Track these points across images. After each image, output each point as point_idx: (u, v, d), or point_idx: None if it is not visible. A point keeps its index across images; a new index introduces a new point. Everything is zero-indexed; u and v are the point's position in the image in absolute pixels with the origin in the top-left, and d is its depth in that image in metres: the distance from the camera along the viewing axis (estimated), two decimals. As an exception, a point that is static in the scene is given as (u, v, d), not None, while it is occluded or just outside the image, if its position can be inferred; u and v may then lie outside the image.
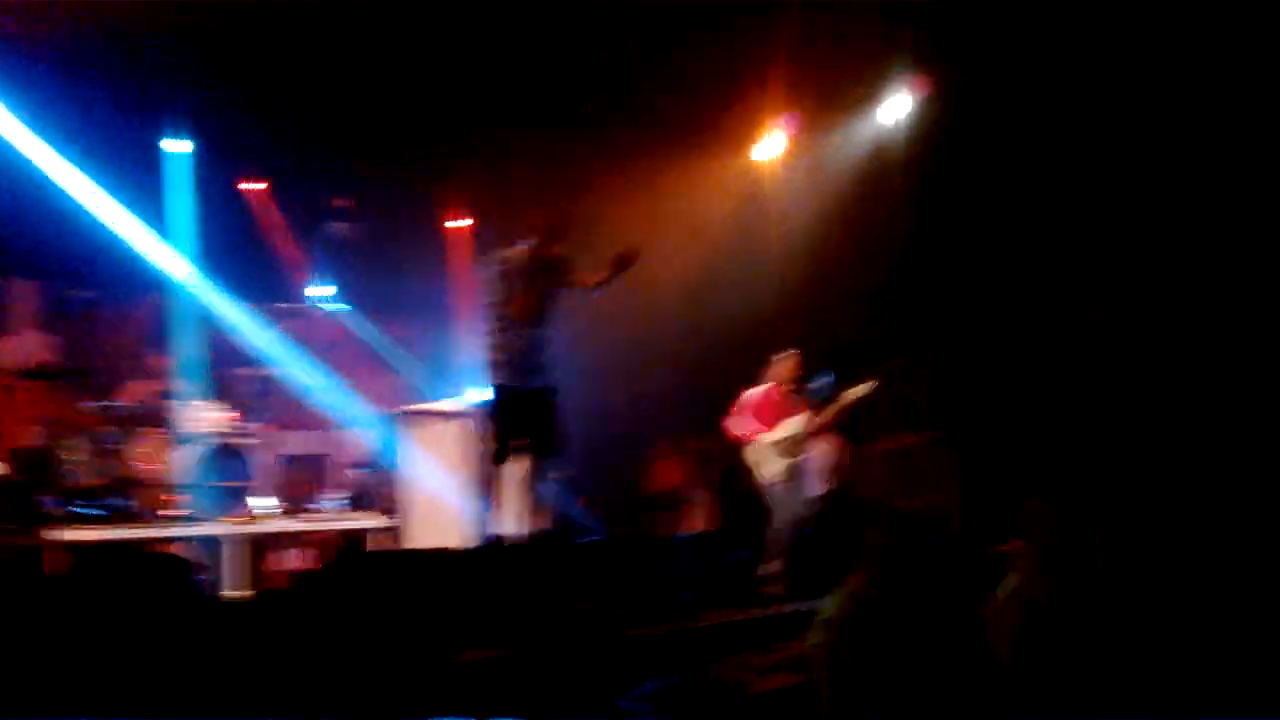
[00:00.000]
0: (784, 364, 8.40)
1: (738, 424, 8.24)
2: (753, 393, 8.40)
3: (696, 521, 11.33)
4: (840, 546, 6.49)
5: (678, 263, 10.35)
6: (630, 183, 9.95)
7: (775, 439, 8.11)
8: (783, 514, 8.06)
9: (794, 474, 8.13)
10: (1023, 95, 8.98)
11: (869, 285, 10.11)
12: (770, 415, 8.21)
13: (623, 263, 6.32)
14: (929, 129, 9.86)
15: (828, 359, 10.59)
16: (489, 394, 6.31)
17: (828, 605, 3.55)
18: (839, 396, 8.67)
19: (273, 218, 11.22)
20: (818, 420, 10.33)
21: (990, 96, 9.27)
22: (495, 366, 6.25)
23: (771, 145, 10.57)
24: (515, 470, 6.34)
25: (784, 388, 8.36)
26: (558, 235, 6.39)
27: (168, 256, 10.24)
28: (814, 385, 9.15)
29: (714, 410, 11.66)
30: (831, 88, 9.93)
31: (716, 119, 10.14)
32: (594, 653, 4.74)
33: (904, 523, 3.63)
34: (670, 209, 10.17)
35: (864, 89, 9.99)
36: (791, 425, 8.14)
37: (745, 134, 10.56)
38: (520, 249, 6.33)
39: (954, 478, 8.50)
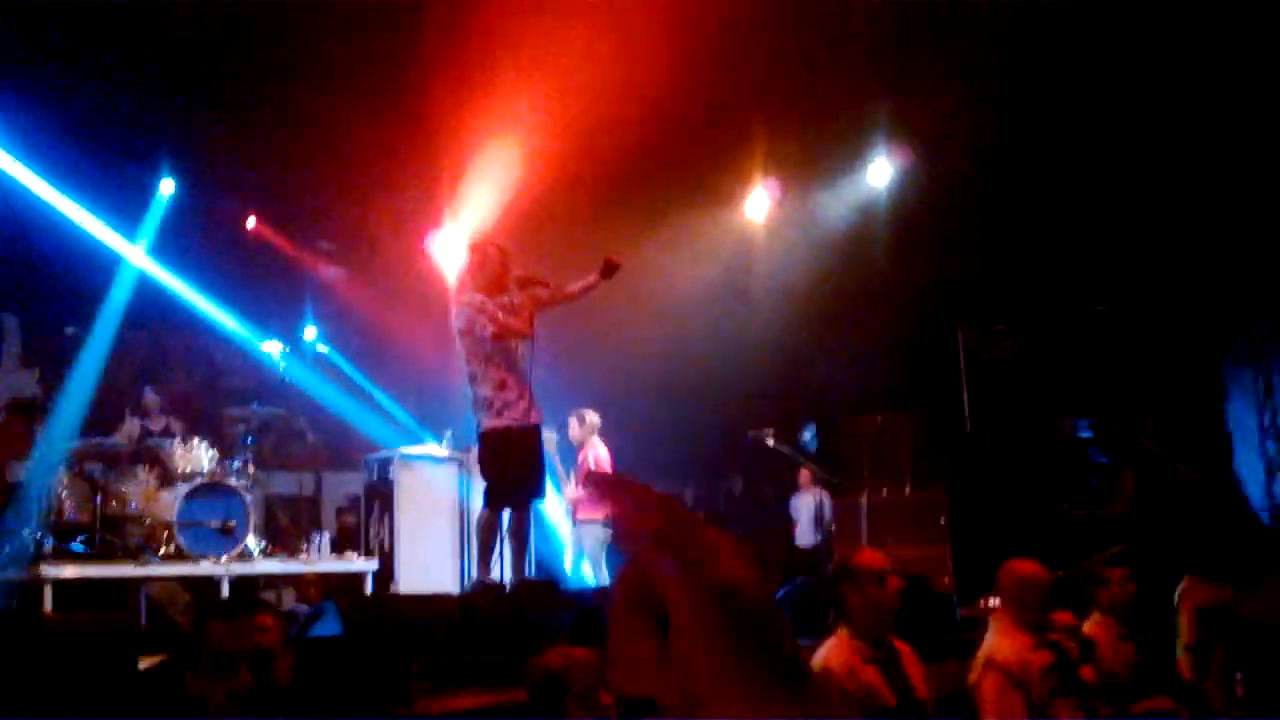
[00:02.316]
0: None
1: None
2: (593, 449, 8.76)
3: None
4: (826, 600, 6.58)
5: (661, 320, 10.49)
6: (617, 241, 10.09)
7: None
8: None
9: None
10: (1007, 162, 9.24)
11: (856, 340, 10.28)
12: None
13: (608, 269, 6.19)
14: (914, 194, 10.10)
15: (812, 412, 10.76)
16: (491, 438, 6.06)
17: (817, 656, 3.63)
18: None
19: (265, 257, 11.31)
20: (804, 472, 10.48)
21: (975, 162, 9.53)
22: (494, 408, 5.99)
23: (758, 206, 10.76)
24: (504, 515, 6.32)
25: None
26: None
27: (159, 293, 10.33)
28: (802, 436, 9.28)
29: (699, 465, 11.78)
30: (815, 152, 10.17)
31: (703, 179, 10.34)
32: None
33: (880, 578, 3.70)
34: (663, 262, 10.29)
35: (847, 155, 10.23)
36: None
37: (731, 195, 10.75)
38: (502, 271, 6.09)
39: (942, 532, 8.60)
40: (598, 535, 8.54)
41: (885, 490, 9.52)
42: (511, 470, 6.06)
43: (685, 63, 8.06)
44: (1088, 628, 4.84)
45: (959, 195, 9.94)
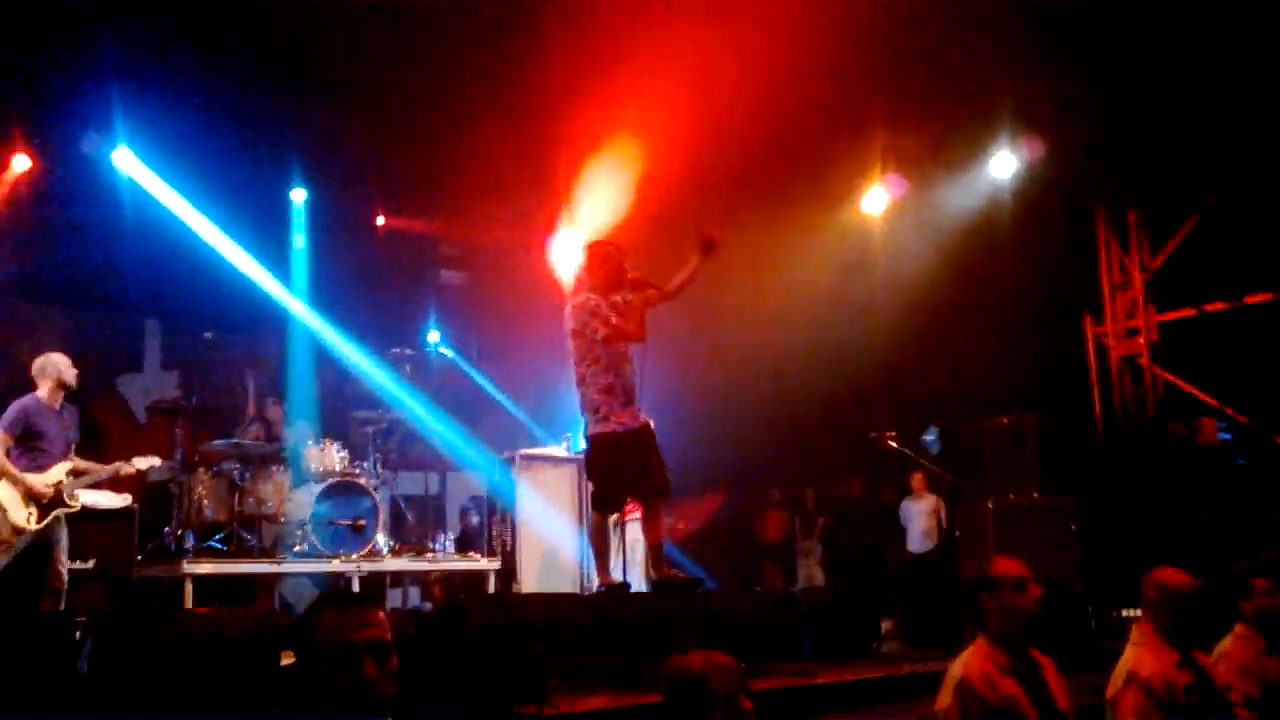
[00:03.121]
0: None
1: None
2: None
3: (809, 573, 11.30)
4: (956, 607, 6.44)
5: (783, 316, 10.39)
6: (736, 236, 10.05)
7: None
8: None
9: None
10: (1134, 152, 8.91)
11: (981, 340, 10.03)
12: None
13: (706, 246, 6.03)
14: (1039, 186, 9.80)
15: (935, 414, 10.55)
16: (598, 442, 6.00)
17: (955, 667, 3.54)
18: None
19: (390, 263, 11.58)
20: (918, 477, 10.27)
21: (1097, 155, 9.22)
22: (601, 413, 5.93)
23: (876, 201, 10.56)
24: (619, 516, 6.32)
25: None
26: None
27: (289, 300, 10.66)
28: (924, 438, 9.10)
29: (819, 467, 11.64)
30: (936, 145, 9.94)
31: (821, 175, 10.21)
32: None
33: (1020, 585, 3.60)
34: (775, 263, 10.21)
35: (970, 147, 9.96)
36: None
37: (850, 191, 10.59)
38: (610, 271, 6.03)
39: (1072, 538, 8.35)
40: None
41: (1012, 495, 9.27)
42: (619, 474, 5.99)
43: (805, 58, 7.99)
44: (1229, 641, 4.63)
45: (1088, 187, 9.66)
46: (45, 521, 6.29)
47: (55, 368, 6.52)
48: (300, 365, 10.54)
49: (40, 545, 6.30)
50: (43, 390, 6.48)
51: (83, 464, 6.65)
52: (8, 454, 6.28)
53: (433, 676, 4.06)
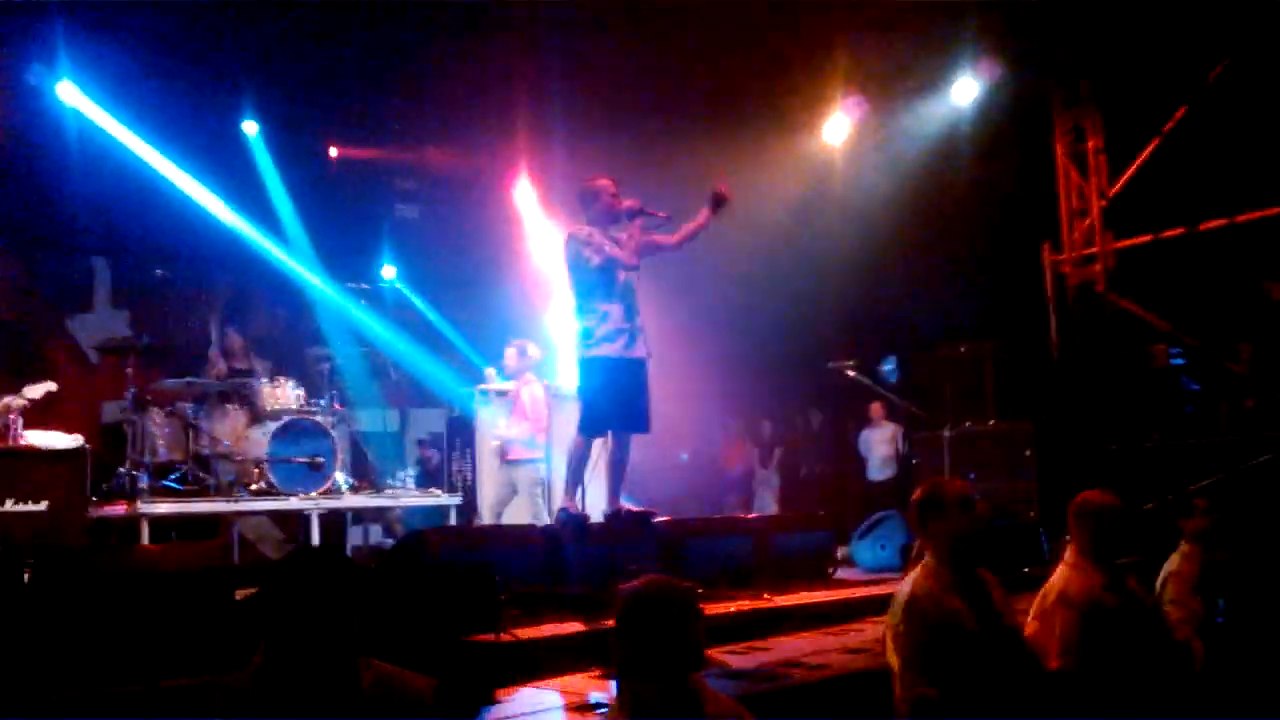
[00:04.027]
0: (506, 357, 8.62)
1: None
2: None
3: (765, 504, 11.40)
4: (908, 532, 6.52)
5: (743, 244, 10.34)
6: (696, 163, 9.96)
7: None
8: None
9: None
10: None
11: (939, 268, 10.04)
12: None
13: (718, 201, 6.14)
14: (999, 112, 9.75)
15: (893, 344, 10.59)
16: (590, 365, 6.06)
17: (904, 585, 3.58)
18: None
19: (345, 193, 11.43)
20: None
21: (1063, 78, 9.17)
22: (596, 338, 6.00)
23: (837, 129, 10.48)
24: (598, 446, 6.32)
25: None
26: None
27: (245, 236, 10.50)
28: (882, 368, 9.15)
29: (779, 398, 11.67)
30: (897, 70, 9.85)
31: (782, 100, 10.12)
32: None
33: (975, 509, 3.62)
34: (738, 190, 10.12)
35: (930, 72, 9.88)
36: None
37: (810, 117, 10.50)
38: (621, 201, 6.11)
39: (1028, 464, 8.45)
40: (531, 474, 8.40)
41: (968, 423, 9.36)
42: (609, 399, 6.05)
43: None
44: (1176, 560, 4.71)
45: (1048, 113, 9.61)
46: None
47: None
48: (258, 300, 10.42)
49: None
50: None
51: None
52: None
53: (393, 610, 4.07)
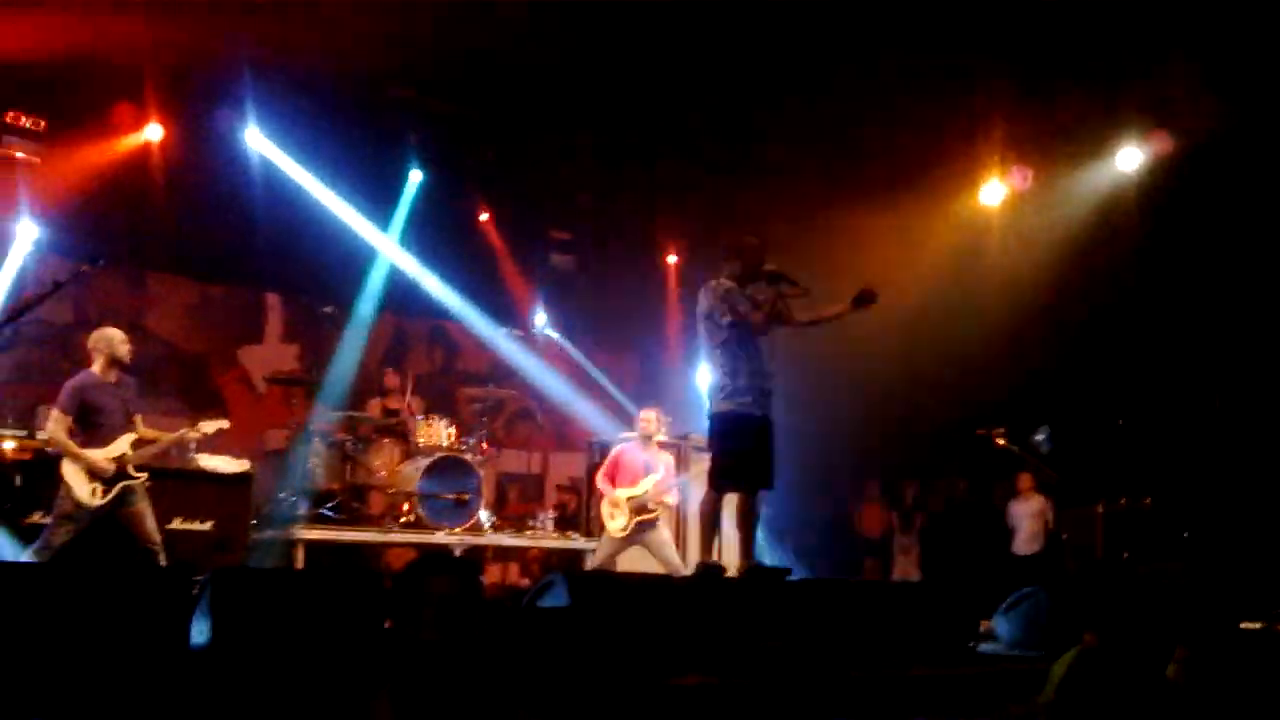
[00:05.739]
0: (643, 421, 8.24)
1: (600, 479, 8.18)
2: (616, 449, 8.34)
3: (905, 569, 11.17)
4: (1061, 607, 6.31)
5: (893, 306, 10.23)
6: (850, 226, 9.95)
7: (625, 495, 7.92)
8: (599, 560, 8.07)
9: (636, 531, 7.86)
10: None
11: (1089, 339, 9.73)
12: (617, 471, 8.07)
13: (862, 299, 6.06)
14: (1165, 182, 9.46)
15: (1045, 412, 10.28)
16: (718, 420, 6.09)
17: (1058, 665, 3.50)
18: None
19: (499, 248, 11.77)
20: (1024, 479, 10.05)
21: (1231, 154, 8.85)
22: (725, 392, 6.06)
23: (994, 193, 10.34)
24: (729, 502, 6.33)
25: (641, 444, 8.22)
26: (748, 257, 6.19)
27: (407, 278, 10.93)
28: (1036, 438, 8.90)
29: (925, 458, 11.44)
30: (1060, 138, 9.68)
31: (938, 166, 10.04)
32: (809, 691, 4.75)
33: (1136, 586, 3.52)
34: (889, 254, 10.07)
35: (1094, 142, 9.67)
36: (643, 483, 7.94)
37: (966, 184, 10.38)
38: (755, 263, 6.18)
39: (1181, 541, 8.08)
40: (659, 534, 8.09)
41: (1124, 499, 9.01)
42: (737, 455, 6.08)
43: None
44: None
45: (1216, 183, 9.27)
46: (110, 496, 6.22)
47: (108, 342, 6.39)
48: (415, 341, 10.75)
49: (110, 519, 6.26)
50: (96, 365, 6.38)
51: (149, 432, 6.54)
52: (69, 433, 6.23)
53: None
